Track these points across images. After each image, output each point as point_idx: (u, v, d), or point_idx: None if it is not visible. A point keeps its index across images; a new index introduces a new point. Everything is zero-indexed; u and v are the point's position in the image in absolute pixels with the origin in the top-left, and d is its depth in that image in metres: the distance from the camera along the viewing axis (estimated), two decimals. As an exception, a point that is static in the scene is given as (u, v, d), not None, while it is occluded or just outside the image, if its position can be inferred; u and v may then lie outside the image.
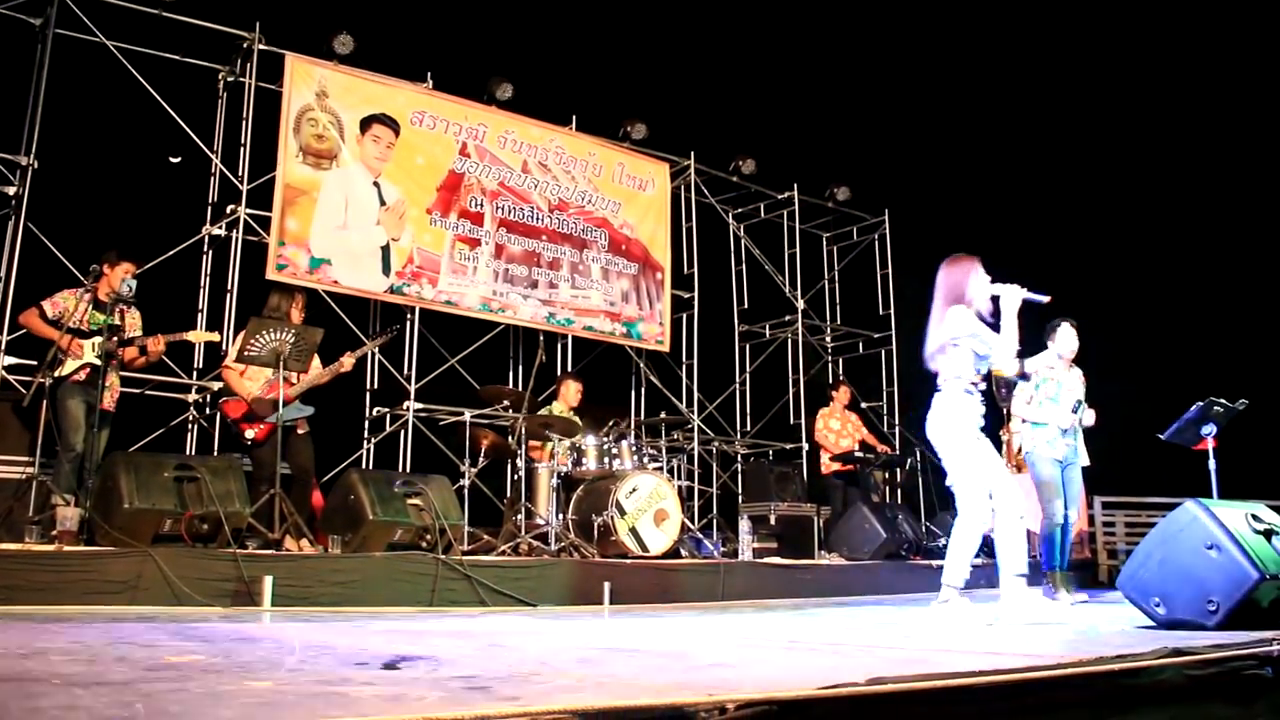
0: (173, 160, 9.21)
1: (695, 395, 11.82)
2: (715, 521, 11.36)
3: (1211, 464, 6.66)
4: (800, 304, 12.89)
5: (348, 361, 7.21)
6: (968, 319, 5.24)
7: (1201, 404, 6.70)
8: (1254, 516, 4.75)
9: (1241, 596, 4.38)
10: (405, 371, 9.73)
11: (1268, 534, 4.65)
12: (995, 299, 5.24)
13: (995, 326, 5.24)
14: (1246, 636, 3.84)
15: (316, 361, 7.10)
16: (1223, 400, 6.67)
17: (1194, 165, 13.30)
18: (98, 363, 6.45)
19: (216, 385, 8.40)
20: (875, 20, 13.55)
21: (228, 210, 9.06)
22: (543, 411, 8.67)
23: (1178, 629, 4.48)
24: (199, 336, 7.71)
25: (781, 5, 13.36)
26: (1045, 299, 5.27)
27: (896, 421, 13.33)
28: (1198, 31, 12.85)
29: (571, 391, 9.11)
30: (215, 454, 8.14)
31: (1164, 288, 12.54)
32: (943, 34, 13.67)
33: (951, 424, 5.25)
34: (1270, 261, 13.08)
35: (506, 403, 8.62)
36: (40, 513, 6.08)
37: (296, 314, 7.14)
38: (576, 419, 8.68)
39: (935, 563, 9.00)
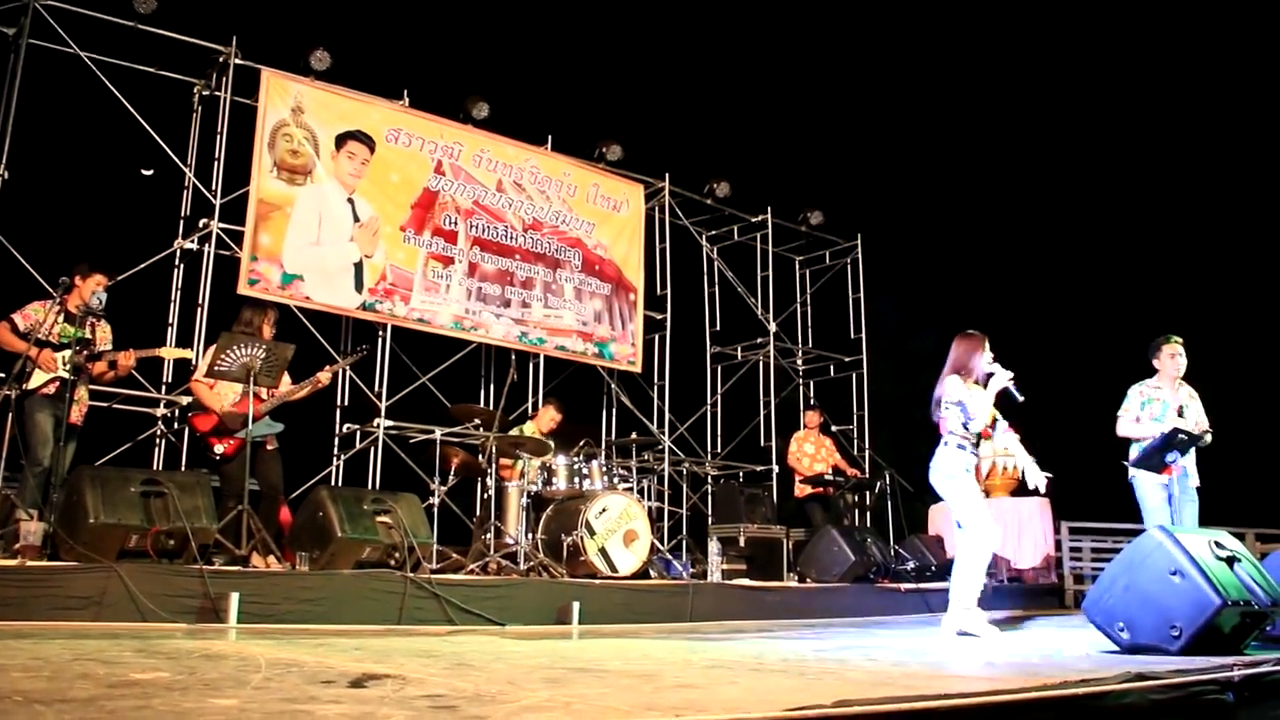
0: (145, 173, 9.17)
1: (666, 416, 11.84)
2: (685, 543, 11.37)
3: (1176, 491, 6.71)
4: (772, 326, 12.95)
5: (324, 377, 7.18)
6: (957, 388, 6.09)
7: (1166, 433, 6.77)
8: (1217, 543, 4.81)
9: (1204, 622, 4.43)
10: (376, 389, 9.69)
11: (1230, 560, 4.71)
12: (989, 376, 6.10)
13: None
14: (1208, 662, 3.88)
15: (286, 378, 7.07)
16: (1187, 429, 6.74)
17: (1164, 190, 13.47)
18: (68, 376, 6.38)
19: (185, 400, 8.34)
20: (849, 47, 13.68)
21: (200, 224, 9.04)
22: (514, 432, 8.66)
23: (1142, 654, 4.52)
24: (170, 353, 7.65)
25: (757, 31, 13.46)
26: (1020, 398, 6.07)
27: (867, 445, 13.39)
28: (1168, 50, 13.03)
29: (545, 418, 9.10)
30: (183, 469, 8.08)
31: (1130, 314, 12.68)
32: (914, 62, 13.81)
33: (946, 472, 6.12)
34: (1240, 292, 13.26)
35: (477, 421, 8.61)
36: (4, 527, 5.98)
37: (268, 329, 7.10)
38: (548, 440, 8.67)
39: (903, 586, 9.06)
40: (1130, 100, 13.50)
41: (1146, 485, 6.96)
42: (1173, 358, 7.12)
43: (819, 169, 13.63)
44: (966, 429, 6.09)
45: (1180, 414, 6.96)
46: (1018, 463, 6.53)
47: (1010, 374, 6.07)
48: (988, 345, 6.20)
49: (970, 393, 6.08)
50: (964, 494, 6.10)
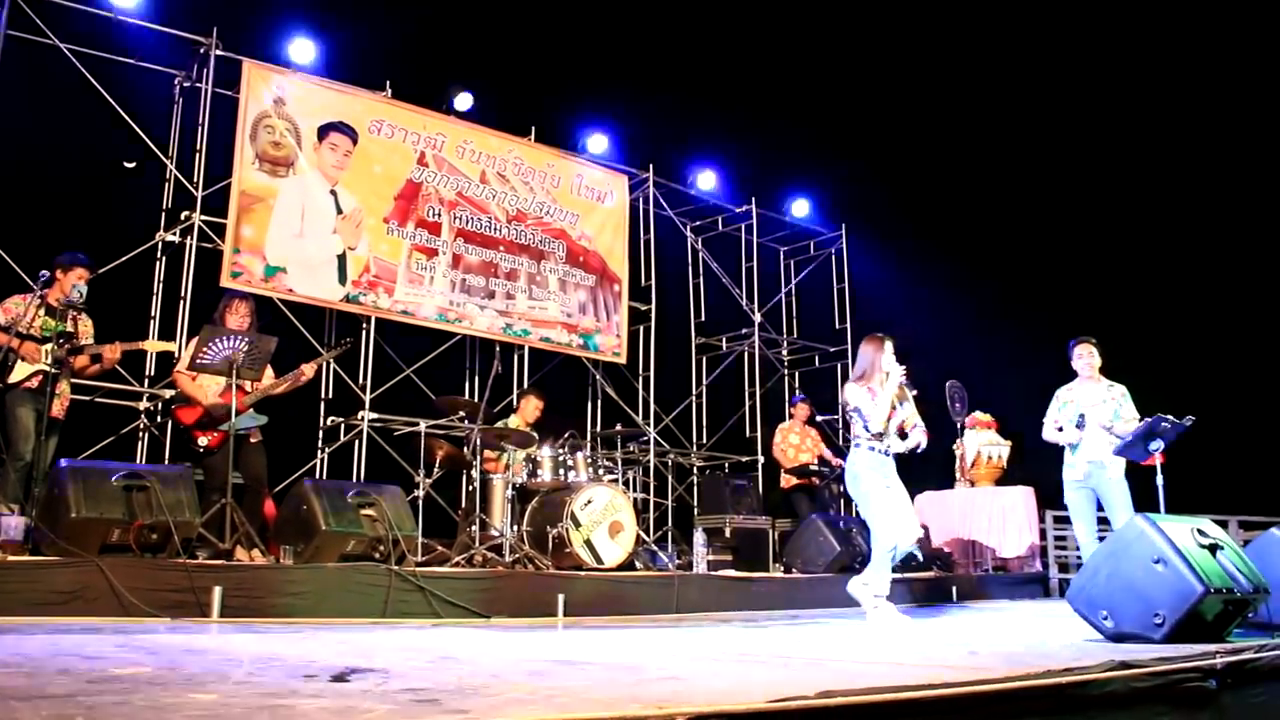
0: (127, 165, 9.10)
1: (652, 407, 11.83)
2: (670, 534, 11.36)
3: (1159, 479, 6.74)
4: (757, 317, 12.95)
5: (308, 370, 7.15)
6: (855, 394, 6.45)
7: (1149, 421, 6.80)
8: (1199, 531, 4.82)
9: (1187, 610, 4.44)
10: (360, 381, 9.66)
11: (1212, 548, 4.72)
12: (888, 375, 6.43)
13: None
14: (1191, 649, 3.90)
15: (269, 370, 7.03)
16: (1170, 417, 6.76)
17: (1144, 180, 13.51)
18: (50, 370, 6.34)
19: (168, 393, 8.30)
20: (832, 38, 13.66)
21: (182, 216, 8.99)
22: (499, 424, 8.64)
23: (1126, 642, 4.53)
24: (154, 346, 7.59)
25: (740, 21, 13.44)
26: (914, 392, 6.49)
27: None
28: (1156, 47, 13.05)
29: (530, 408, 9.06)
30: (166, 463, 8.04)
31: (1114, 304, 12.71)
32: (898, 52, 13.81)
33: (854, 475, 6.49)
34: (1217, 286, 13.31)
35: (462, 413, 8.58)
36: (-15, 522, 5.96)
37: (231, 319, 6.99)
38: (533, 432, 8.65)
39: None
40: (1119, 90, 13.52)
41: (1064, 485, 7.38)
42: (1079, 358, 7.47)
43: (803, 159, 13.62)
44: (868, 430, 6.40)
45: (1080, 421, 7.24)
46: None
47: (901, 369, 6.40)
48: (889, 345, 6.52)
49: (867, 397, 6.41)
50: (867, 496, 6.46)
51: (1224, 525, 6.27)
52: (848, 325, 13.62)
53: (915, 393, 6.53)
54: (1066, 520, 11.17)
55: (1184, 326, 13.00)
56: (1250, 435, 12.17)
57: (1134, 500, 7.06)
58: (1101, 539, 7.44)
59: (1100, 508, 7.31)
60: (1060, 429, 7.38)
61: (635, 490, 10.19)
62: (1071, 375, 7.52)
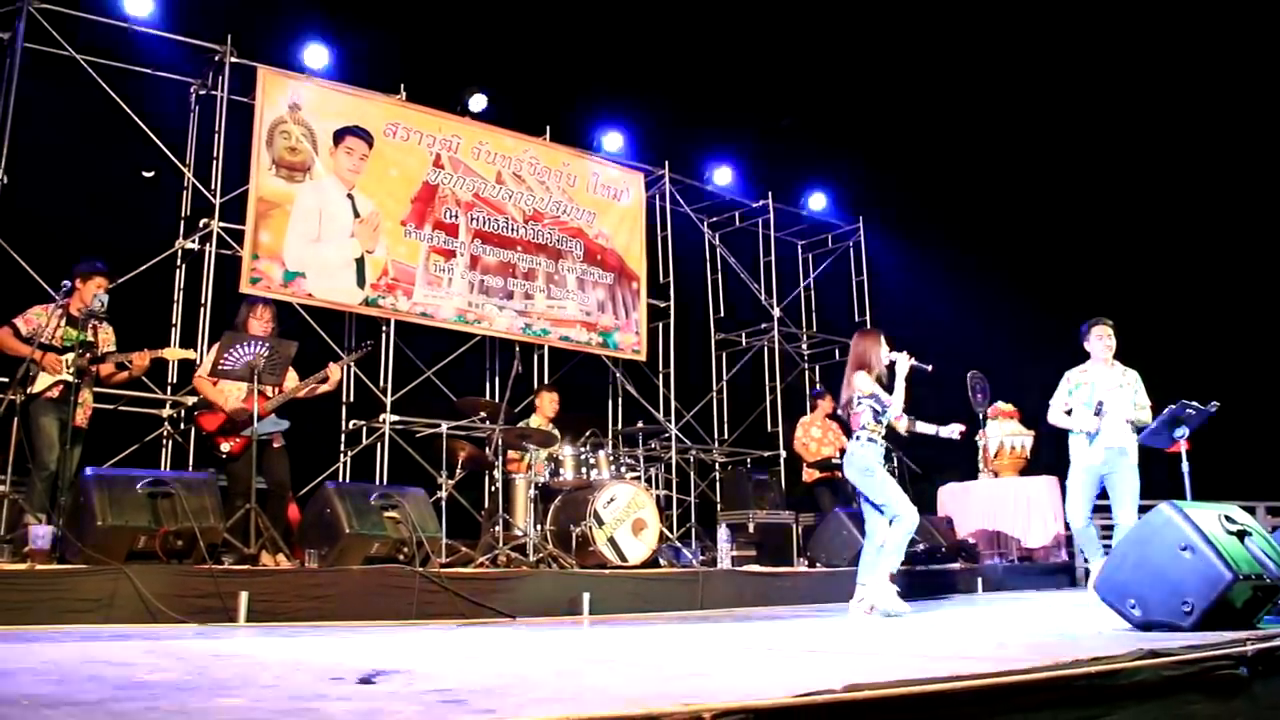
0: (145, 174, 9.15)
1: (672, 404, 11.82)
2: (694, 530, 11.35)
3: (1185, 466, 6.69)
4: (776, 312, 12.93)
5: (334, 372, 7.17)
6: (866, 383, 6.45)
7: (1174, 407, 6.74)
8: (1227, 518, 4.78)
9: (1216, 597, 4.40)
10: (381, 384, 9.69)
11: (1240, 535, 4.68)
12: (892, 364, 6.45)
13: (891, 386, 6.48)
14: (1221, 637, 3.86)
15: (292, 374, 7.06)
16: (1195, 403, 6.71)
17: (1165, 167, 13.41)
18: (71, 379, 6.38)
19: (191, 400, 8.34)
20: (848, 30, 13.61)
21: (201, 224, 9.03)
22: (520, 424, 8.64)
23: (1154, 630, 4.50)
24: (174, 354, 7.62)
25: (753, 16, 13.40)
26: (928, 368, 6.42)
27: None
28: (1170, 42, 12.95)
29: (547, 403, 9.08)
30: (190, 469, 8.08)
31: (1136, 290, 12.63)
32: (914, 43, 13.75)
33: (861, 466, 6.45)
34: (1241, 269, 13.20)
35: (483, 414, 8.59)
36: (12, 531, 6.01)
37: (255, 325, 7.02)
38: (554, 430, 8.66)
39: (917, 567, 9.05)
40: (1138, 74, 13.43)
41: (1071, 463, 7.27)
42: (1098, 340, 7.27)
43: (819, 153, 13.57)
44: (879, 421, 6.44)
45: (1098, 409, 7.07)
46: (939, 432, 6.71)
47: (906, 354, 6.43)
48: (884, 338, 6.60)
49: (878, 386, 6.43)
50: (881, 485, 6.42)
51: (1251, 511, 6.23)
52: (867, 318, 13.57)
53: (930, 368, 6.49)
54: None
55: (1209, 311, 12.90)
56: (1277, 420, 12.07)
57: (1160, 487, 7.00)
58: (1106, 530, 7.43)
59: (1103, 495, 7.22)
60: (1069, 412, 7.25)
61: (658, 487, 10.19)
62: (1083, 358, 7.39)
